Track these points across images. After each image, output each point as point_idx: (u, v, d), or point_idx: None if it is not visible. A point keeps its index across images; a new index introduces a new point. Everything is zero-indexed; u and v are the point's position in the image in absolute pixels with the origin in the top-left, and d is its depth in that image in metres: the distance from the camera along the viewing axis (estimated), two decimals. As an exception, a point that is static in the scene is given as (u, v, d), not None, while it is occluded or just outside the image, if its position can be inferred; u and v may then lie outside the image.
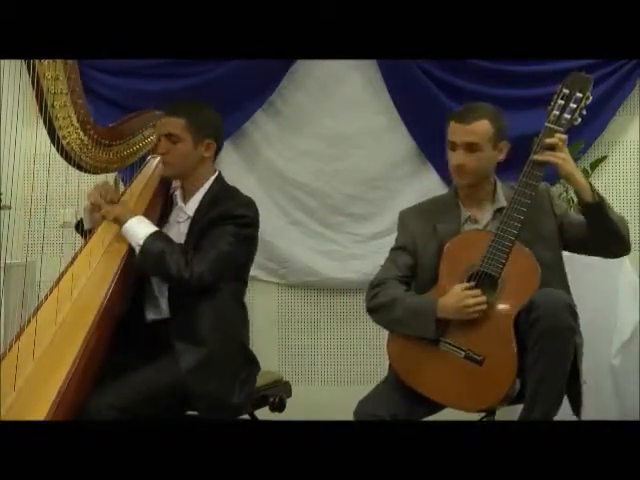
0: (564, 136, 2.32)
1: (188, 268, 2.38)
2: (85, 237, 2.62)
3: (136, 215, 2.49)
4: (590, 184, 2.32)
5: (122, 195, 2.68)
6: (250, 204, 2.55)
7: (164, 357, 2.41)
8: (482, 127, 2.38)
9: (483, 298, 2.28)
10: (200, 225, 2.49)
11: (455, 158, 2.41)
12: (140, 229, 2.45)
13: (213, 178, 2.59)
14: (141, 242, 2.42)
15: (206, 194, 2.55)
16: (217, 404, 2.40)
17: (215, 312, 2.45)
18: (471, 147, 2.38)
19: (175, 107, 2.56)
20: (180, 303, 2.47)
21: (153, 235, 2.44)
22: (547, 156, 2.31)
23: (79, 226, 2.70)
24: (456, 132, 2.40)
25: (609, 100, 3.56)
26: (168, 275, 2.41)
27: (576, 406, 2.31)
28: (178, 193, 2.63)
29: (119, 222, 2.48)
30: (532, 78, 3.50)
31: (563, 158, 2.31)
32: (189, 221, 2.54)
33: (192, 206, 2.56)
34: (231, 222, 2.46)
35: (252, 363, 2.55)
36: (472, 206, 2.47)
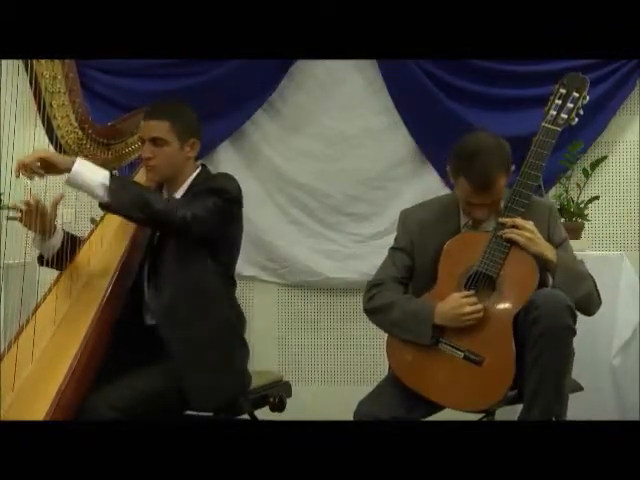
0: (530, 224, 2.29)
1: (171, 205, 2.31)
2: (49, 265, 2.51)
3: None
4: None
5: None
6: (231, 179, 2.50)
7: (162, 357, 2.40)
8: (499, 179, 2.29)
9: (480, 306, 2.27)
10: None
11: (484, 212, 2.36)
12: (93, 169, 2.24)
13: (195, 173, 2.56)
14: (107, 180, 2.22)
15: (188, 188, 2.53)
16: (210, 390, 2.38)
17: (193, 289, 2.42)
18: (498, 203, 2.35)
19: (157, 110, 2.51)
20: (158, 288, 2.44)
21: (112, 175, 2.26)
22: (511, 234, 2.29)
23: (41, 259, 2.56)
24: (477, 194, 2.30)
25: (609, 100, 3.55)
26: (154, 209, 2.28)
27: None
28: (164, 192, 2.60)
29: (57, 171, 2.23)
30: (532, 78, 3.49)
31: (528, 237, 2.28)
32: None
33: None
34: (211, 194, 2.40)
35: (240, 342, 2.53)
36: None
